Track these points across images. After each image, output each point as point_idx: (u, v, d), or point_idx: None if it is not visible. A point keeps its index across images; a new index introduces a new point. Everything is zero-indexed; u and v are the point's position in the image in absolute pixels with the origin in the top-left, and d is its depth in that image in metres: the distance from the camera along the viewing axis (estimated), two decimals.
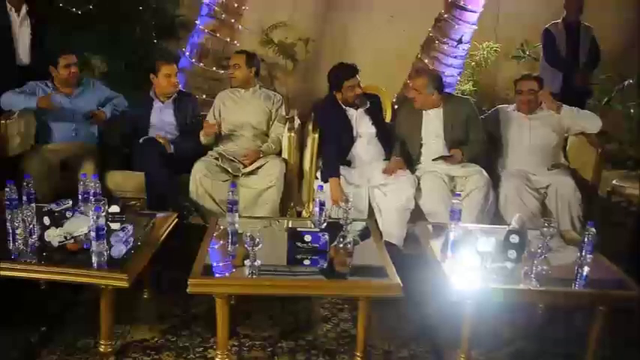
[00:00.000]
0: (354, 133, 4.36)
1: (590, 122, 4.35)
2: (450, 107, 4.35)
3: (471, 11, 5.83)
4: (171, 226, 3.43)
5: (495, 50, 7.00)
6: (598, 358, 2.95)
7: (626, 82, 6.58)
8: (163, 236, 3.29)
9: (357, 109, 4.38)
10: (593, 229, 2.85)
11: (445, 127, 4.31)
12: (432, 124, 4.35)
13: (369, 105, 4.43)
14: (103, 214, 2.78)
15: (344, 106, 4.38)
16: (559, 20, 5.94)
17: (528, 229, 3.18)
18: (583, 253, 2.85)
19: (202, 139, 4.43)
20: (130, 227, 3.01)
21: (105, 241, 2.77)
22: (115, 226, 3.06)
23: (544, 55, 6.00)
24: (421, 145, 4.37)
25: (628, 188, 4.82)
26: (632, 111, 6.60)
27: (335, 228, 3.15)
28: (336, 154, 4.24)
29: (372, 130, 4.40)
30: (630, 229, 4.13)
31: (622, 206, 4.97)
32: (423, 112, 4.38)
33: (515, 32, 7.07)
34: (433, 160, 4.23)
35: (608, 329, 2.92)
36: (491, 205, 4.06)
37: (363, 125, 4.39)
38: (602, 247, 3.19)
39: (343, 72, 4.33)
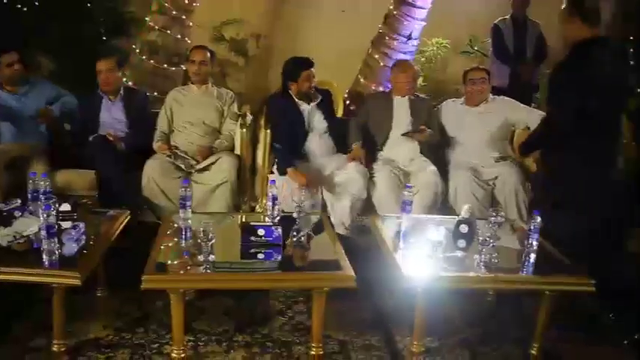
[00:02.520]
0: (307, 127, 4.39)
1: (536, 121, 4.43)
2: (414, 98, 4.54)
3: (419, 7, 5.91)
4: (123, 224, 3.40)
5: (445, 46, 7.12)
6: (545, 341, 3.05)
7: None
8: (116, 234, 3.27)
9: (309, 103, 4.40)
10: (539, 218, 2.95)
11: (412, 113, 4.46)
12: (402, 111, 4.49)
13: (320, 99, 4.45)
14: (54, 212, 2.75)
15: (297, 100, 4.38)
16: (507, 16, 6.09)
17: (477, 219, 3.26)
18: (529, 241, 2.94)
19: (155, 148, 4.41)
20: (81, 225, 2.98)
21: (56, 240, 2.73)
22: (66, 224, 3.02)
23: (492, 50, 6.14)
24: (390, 129, 4.45)
25: None
26: None
27: (288, 222, 3.18)
28: (289, 146, 4.25)
29: (324, 124, 4.44)
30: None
31: None
32: (394, 98, 4.51)
33: (464, 28, 7.20)
34: (403, 134, 4.37)
35: (554, 313, 3.04)
36: (442, 197, 4.15)
37: (315, 119, 4.43)
38: (548, 235, 3.30)
39: (300, 62, 4.35)
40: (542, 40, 6.10)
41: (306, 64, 4.34)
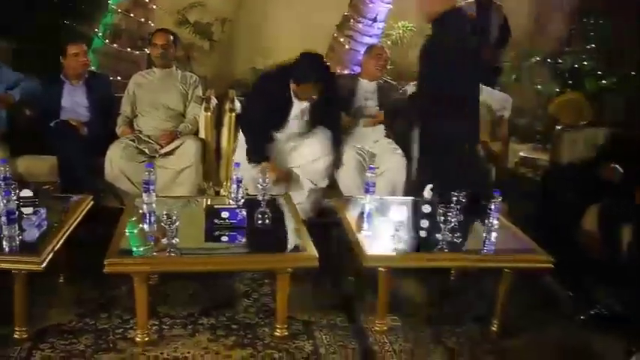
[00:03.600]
0: (289, 116, 4.15)
1: (501, 107, 4.49)
2: (382, 82, 4.63)
3: None
4: (86, 209, 3.37)
5: (410, 29, 7.14)
6: (504, 318, 3.12)
7: (533, 60, 6.86)
8: (78, 219, 3.24)
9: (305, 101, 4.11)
10: (499, 197, 3.00)
11: (379, 97, 4.52)
12: (368, 95, 4.52)
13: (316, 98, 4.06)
14: (14, 198, 2.72)
15: (293, 97, 4.09)
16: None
17: (440, 199, 3.30)
18: (490, 220, 3.00)
19: (118, 133, 4.35)
20: (42, 211, 2.95)
21: (16, 226, 2.71)
22: (27, 210, 2.99)
23: None
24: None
25: (534, 159, 5.06)
26: (539, 87, 6.89)
27: (252, 204, 3.19)
28: (264, 137, 4.08)
29: (307, 109, 4.16)
30: (534, 196, 4.33)
31: (529, 177, 5.22)
32: (361, 82, 4.55)
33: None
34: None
35: (513, 292, 3.12)
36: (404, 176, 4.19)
37: (302, 111, 4.17)
38: (511, 215, 3.37)
39: (310, 71, 3.92)
40: (505, 24, 6.17)
41: (317, 74, 3.91)
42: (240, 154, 4.15)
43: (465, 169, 3.47)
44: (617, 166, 3.72)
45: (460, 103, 3.44)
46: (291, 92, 4.05)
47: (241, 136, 4.20)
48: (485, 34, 6.04)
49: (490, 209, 3.00)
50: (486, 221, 3.01)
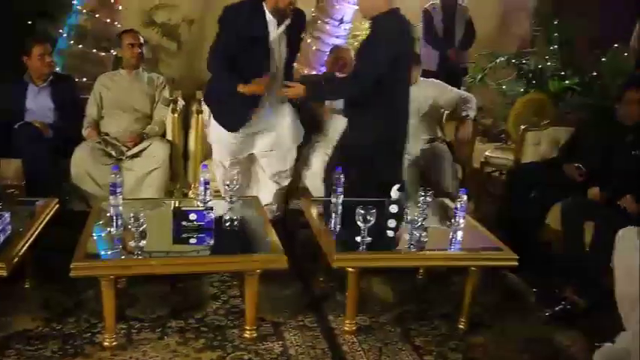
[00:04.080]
0: (269, 52, 3.73)
1: (466, 107, 4.53)
2: None
3: None
4: (52, 213, 3.34)
5: None
6: (471, 315, 3.17)
7: (497, 60, 6.96)
8: (43, 223, 3.20)
9: (280, 24, 3.73)
10: (465, 196, 3.06)
11: None
12: None
13: (290, 21, 3.75)
14: None
15: (268, 15, 3.69)
16: (437, 1, 6.21)
17: (407, 199, 3.34)
18: (456, 219, 3.05)
19: (84, 135, 4.31)
20: (6, 215, 2.91)
21: None
22: None
23: (422, 35, 6.25)
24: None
25: (499, 158, 5.14)
26: (504, 87, 6.99)
27: (220, 206, 3.19)
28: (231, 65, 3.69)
29: (284, 55, 3.84)
30: (499, 195, 4.41)
31: (494, 176, 5.30)
32: None
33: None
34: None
35: (480, 290, 3.17)
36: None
37: (279, 48, 3.79)
38: (477, 214, 3.41)
39: None
40: (470, 25, 6.26)
41: None
42: (215, 129, 3.98)
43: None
44: (579, 164, 3.80)
45: (389, 103, 3.53)
46: (266, 12, 3.69)
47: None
48: (450, 35, 6.15)
49: (456, 208, 3.05)
50: (453, 220, 3.06)
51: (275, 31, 3.72)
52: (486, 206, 4.47)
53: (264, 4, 3.69)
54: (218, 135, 3.95)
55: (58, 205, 3.44)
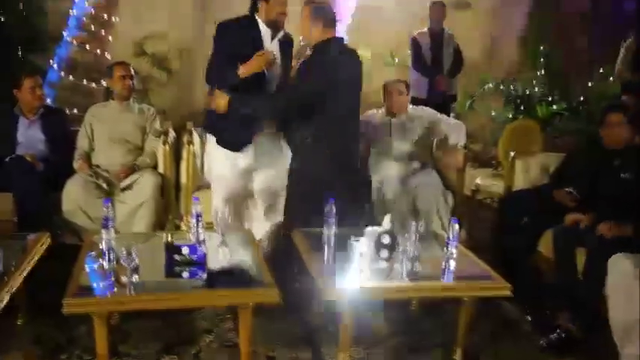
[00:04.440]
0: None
1: (456, 135, 4.57)
2: None
3: (338, 21, 6.02)
4: (43, 248, 3.32)
5: (367, 59, 7.26)
6: (466, 345, 3.16)
7: (486, 87, 7.05)
8: (35, 258, 3.18)
9: (274, 37, 3.79)
10: (457, 225, 3.04)
11: None
12: None
13: (284, 35, 3.82)
14: None
15: (262, 27, 3.74)
16: (425, 29, 6.28)
17: (399, 230, 3.34)
18: (448, 248, 3.04)
19: (75, 167, 4.31)
20: None
21: None
22: None
23: (411, 62, 6.32)
24: None
25: (490, 186, 5.17)
26: (493, 113, 7.07)
27: (213, 239, 3.18)
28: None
29: (279, 70, 3.83)
30: (491, 223, 4.42)
31: (486, 203, 5.32)
32: None
33: (387, 40, 7.38)
34: None
35: (474, 319, 3.17)
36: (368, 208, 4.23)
37: (274, 57, 3.76)
38: (469, 242, 3.41)
39: None
40: (458, 52, 6.34)
41: None
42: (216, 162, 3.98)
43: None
44: (571, 190, 3.82)
45: (331, 129, 3.61)
46: (259, 24, 3.74)
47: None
48: (439, 62, 6.21)
49: (448, 238, 3.05)
50: (445, 250, 3.06)
51: (269, 42, 3.78)
52: (478, 233, 4.47)
53: (256, 16, 3.75)
54: (219, 168, 3.94)
55: (49, 240, 3.42)
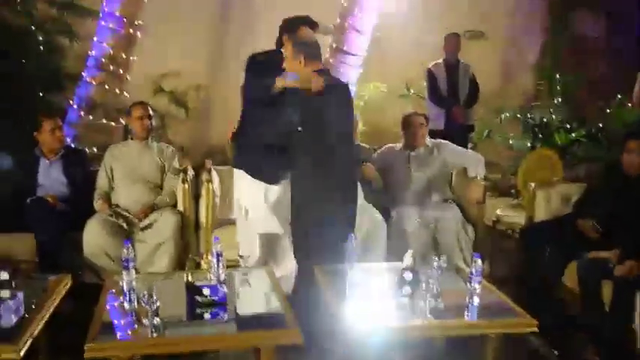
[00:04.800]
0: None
1: (475, 168, 4.54)
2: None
3: (355, 55, 6.07)
4: (64, 290, 3.31)
5: (382, 90, 7.29)
6: None
7: (503, 116, 7.02)
8: (56, 301, 3.18)
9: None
10: (480, 261, 3.00)
11: None
12: None
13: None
14: None
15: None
16: (440, 60, 6.29)
17: (420, 265, 3.30)
18: (472, 284, 3.00)
19: (96, 207, 4.33)
20: (19, 295, 2.88)
21: None
22: (4, 293, 2.92)
23: (427, 94, 6.32)
24: None
25: (511, 217, 5.12)
26: (511, 142, 7.03)
27: (234, 278, 3.16)
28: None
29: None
30: (514, 255, 4.36)
31: (507, 234, 5.25)
32: None
33: (401, 71, 7.39)
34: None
35: (501, 354, 3.10)
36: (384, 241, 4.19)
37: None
38: (492, 275, 3.36)
39: (302, 18, 3.77)
40: (474, 83, 6.33)
41: (309, 21, 3.75)
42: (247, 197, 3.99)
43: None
44: (594, 222, 3.77)
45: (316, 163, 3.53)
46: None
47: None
48: (455, 92, 6.21)
49: (471, 273, 3.00)
50: (468, 285, 3.01)
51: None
52: (500, 265, 4.41)
53: (283, 50, 3.75)
54: (250, 203, 3.95)
55: (70, 282, 3.41)
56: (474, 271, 2.98)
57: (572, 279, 3.62)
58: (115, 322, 2.82)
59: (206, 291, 2.90)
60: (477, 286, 2.97)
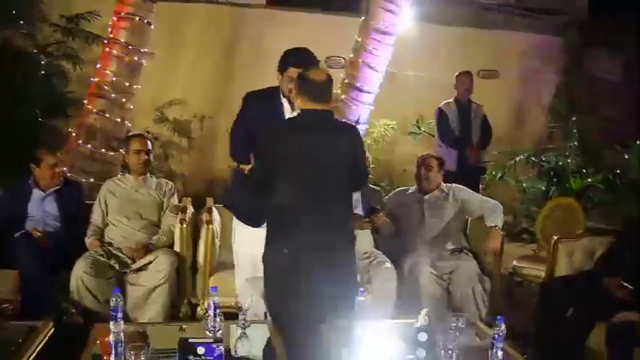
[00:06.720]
0: None
1: (493, 216, 4.24)
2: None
3: (367, 92, 5.89)
4: (45, 338, 3.04)
5: (392, 127, 7.11)
6: None
7: (517, 158, 6.82)
8: (36, 351, 2.91)
9: (292, 108, 3.51)
10: (503, 325, 2.74)
11: (362, 202, 4.14)
12: None
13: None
14: None
15: (282, 99, 3.54)
16: (451, 100, 6.06)
17: (434, 322, 3.03)
18: (494, 350, 2.73)
19: (87, 244, 4.09)
20: None
21: None
22: None
23: (438, 134, 6.08)
24: None
25: (527, 268, 4.85)
26: (524, 185, 6.82)
27: (232, 331, 2.91)
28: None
29: None
30: (534, 312, 4.06)
31: (524, 285, 4.98)
32: None
33: (411, 109, 7.25)
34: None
35: None
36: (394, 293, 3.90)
37: None
38: (509, 331, 3.09)
39: (296, 54, 3.47)
40: (486, 123, 6.10)
41: (303, 58, 3.41)
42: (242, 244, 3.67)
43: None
44: (623, 280, 3.50)
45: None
46: (281, 98, 3.55)
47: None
48: (467, 133, 5.97)
49: (494, 338, 2.74)
50: (490, 351, 2.75)
51: (289, 113, 3.54)
52: (518, 320, 4.12)
53: (280, 90, 3.57)
54: (243, 245, 3.65)
55: (52, 329, 3.14)
56: (496, 335, 2.72)
57: (598, 342, 3.34)
58: None
59: (200, 350, 2.64)
60: (499, 353, 2.72)
